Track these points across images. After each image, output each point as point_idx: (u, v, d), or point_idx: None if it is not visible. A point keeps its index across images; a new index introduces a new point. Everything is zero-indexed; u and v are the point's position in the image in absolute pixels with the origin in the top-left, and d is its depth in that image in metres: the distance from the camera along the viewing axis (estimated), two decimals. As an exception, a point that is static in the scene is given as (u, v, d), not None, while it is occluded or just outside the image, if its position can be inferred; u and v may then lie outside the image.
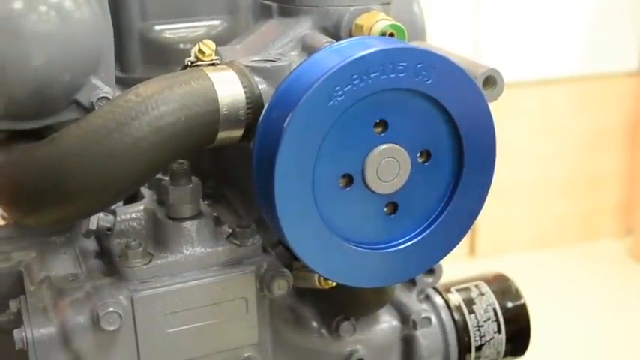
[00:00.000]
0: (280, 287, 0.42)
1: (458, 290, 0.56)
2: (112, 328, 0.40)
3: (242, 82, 0.38)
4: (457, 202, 0.38)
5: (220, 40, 0.46)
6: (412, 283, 0.53)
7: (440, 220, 0.38)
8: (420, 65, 0.34)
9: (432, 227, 0.37)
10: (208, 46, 0.39)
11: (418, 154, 0.37)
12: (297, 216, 0.35)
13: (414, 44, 0.40)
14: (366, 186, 0.36)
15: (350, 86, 0.33)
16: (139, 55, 0.48)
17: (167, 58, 0.46)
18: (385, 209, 0.37)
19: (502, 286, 0.57)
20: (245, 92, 0.37)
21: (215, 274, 0.42)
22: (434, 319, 0.54)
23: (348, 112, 0.34)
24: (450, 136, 0.37)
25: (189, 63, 0.39)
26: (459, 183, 0.37)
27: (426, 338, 0.53)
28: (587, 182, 2.85)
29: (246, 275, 0.42)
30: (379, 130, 0.35)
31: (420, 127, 0.36)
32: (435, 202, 0.37)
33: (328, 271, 0.37)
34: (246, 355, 0.44)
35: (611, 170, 2.91)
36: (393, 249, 0.37)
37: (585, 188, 2.89)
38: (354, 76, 0.33)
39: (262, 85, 0.38)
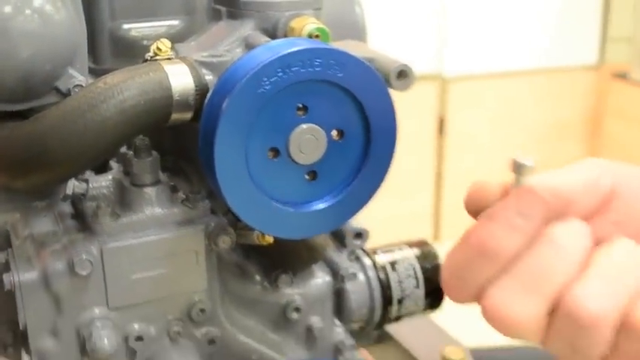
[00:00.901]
0: (224, 242, 0.51)
1: (384, 252, 0.65)
2: (84, 273, 0.48)
3: (192, 74, 0.46)
4: (365, 172, 0.47)
5: (179, 38, 0.55)
6: (343, 245, 0.63)
7: (351, 186, 0.47)
8: (332, 61, 0.43)
9: (344, 192, 0.47)
10: (165, 44, 0.48)
11: (333, 132, 0.46)
12: (234, 182, 0.44)
13: (336, 44, 0.49)
14: (290, 157, 0.45)
15: (275, 77, 0.42)
16: (109, 50, 0.56)
17: (133, 52, 0.54)
18: (306, 176, 0.46)
19: (423, 250, 0.66)
20: (194, 82, 0.46)
21: (171, 231, 0.51)
22: (361, 276, 0.63)
23: (274, 98, 0.43)
24: (360, 118, 0.46)
25: (149, 57, 0.48)
26: (367, 156, 0.46)
27: (355, 292, 0.62)
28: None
29: (196, 232, 0.51)
30: (301, 112, 0.44)
31: (334, 111, 0.45)
32: (347, 172, 0.46)
33: (260, 225, 0.46)
34: (197, 299, 0.53)
35: (571, 161, 3.02)
36: (313, 209, 0.46)
37: (545, 177, 2.98)
38: (278, 70, 0.42)
39: (209, 76, 0.47)
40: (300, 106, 0.44)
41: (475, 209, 0.40)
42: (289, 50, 0.42)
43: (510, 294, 0.36)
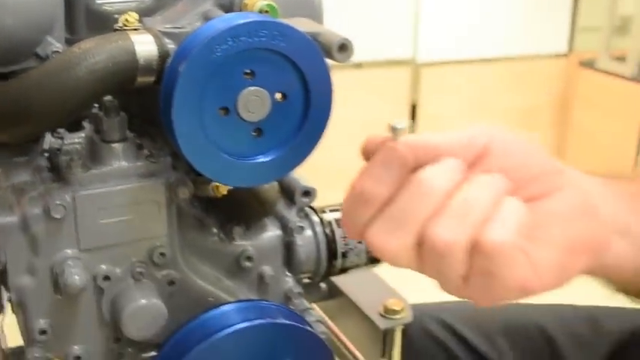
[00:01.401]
0: (183, 193, 0.58)
1: (331, 211, 0.72)
2: (58, 216, 0.55)
3: (156, 42, 0.53)
4: (305, 131, 0.54)
5: (148, 12, 0.61)
6: (293, 202, 0.70)
7: (292, 143, 0.54)
8: (276, 33, 0.50)
9: (286, 147, 0.54)
10: (132, 16, 0.54)
11: (277, 95, 0.53)
12: (189, 136, 0.51)
13: (285, 19, 0.56)
14: (239, 115, 0.52)
15: (225, 45, 0.49)
16: (84, 23, 0.63)
17: (105, 25, 0.60)
18: (253, 133, 0.53)
19: (367, 210, 0.74)
20: (157, 49, 0.53)
21: (135, 182, 0.57)
22: (309, 230, 0.70)
23: (224, 64, 0.50)
24: (300, 83, 0.53)
25: (118, 28, 0.55)
26: (306, 117, 0.53)
27: (303, 245, 0.69)
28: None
29: (158, 184, 0.58)
30: (248, 76, 0.51)
31: (278, 76, 0.52)
32: (288, 130, 0.53)
33: (212, 174, 0.53)
34: (158, 244, 0.60)
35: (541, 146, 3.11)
36: (258, 161, 0.53)
37: (514, 162, 3.05)
38: (228, 39, 0.49)
39: (171, 45, 0.54)
40: (248, 71, 0.51)
41: (366, 159, 0.49)
42: (238, 22, 0.49)
43: (383, 231, 0.46)
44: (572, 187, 0.49)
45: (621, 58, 2.68)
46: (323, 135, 0.54)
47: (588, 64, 2.82)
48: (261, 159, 0.53)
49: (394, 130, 0.46)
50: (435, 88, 2.80)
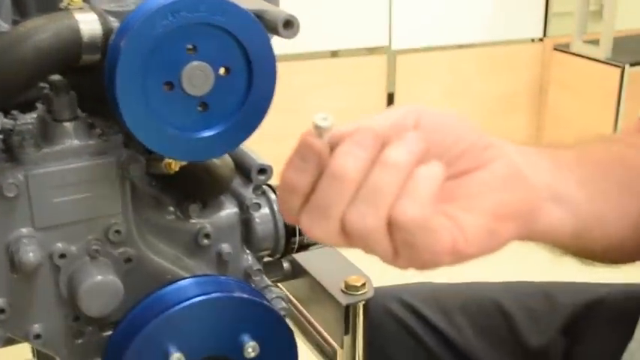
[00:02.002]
0: (134, 171, 0.59)
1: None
2: (11, 195, 0.56)
3: (100, 21, 0.54)
4: (249, 106, 0.55)
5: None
6: (249, 180, 0.71)
7: (236, 117, 0.55)
8: (216, 8, 0.51)
9: (231, 122, 0.55)
10: (77, -4, 0.55)
11: (220, 69, 0.54)
12: (135, 112, 0.52)
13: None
14: (183, 90, 0.53)
15: (166, 21, 0.50)
16: (33, 5, 0.64)
17: (53, 7, 0.62)
18: (198, 107, 0.54)
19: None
20: (102, 27, 0.54)
21: (87, 160, 0.58)
22: (267, 208, 0.71)
23: (166, 39, 0.51)
24: (243, 58, 0.54)
25: (63, 8, 0.56)
26: (250, 92, 0.55)
27: (260, 222, 0.70)
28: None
29: (109, 162, 0.59)
30: (190, 51, 0.52)
31: (220, 51, 0.53)
32: (233, 104, 0.55)
33: (161, 149, 0.54)
34: (113, 221, 0.61)
35: (519, 131, 3.13)
36: (204, 135, 0.54)
37: (493, 148, 3.08)
38: (168, 14, 0.50)
39: (115, 23, 0.55)
40: (190, 46, 0.52)
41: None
42: (177, -1, 0.50)
43: (310, 219, 0.48)
44: (501, 158, 0.51)
45: (595, 42, 2.71)
46: (267, 109, 0.55)
47: (563, 49, 2.85)
48: (207, 133, 0.54)
49: (317, 127, 0.47)
50: (412, 75, 2.82)
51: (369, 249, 0.48)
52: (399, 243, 0.47)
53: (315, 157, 0.47)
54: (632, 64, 2.61)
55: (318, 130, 0.47)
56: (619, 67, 2.61)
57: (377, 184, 0.46)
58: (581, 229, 0.57)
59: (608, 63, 2.64)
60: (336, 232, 0.47)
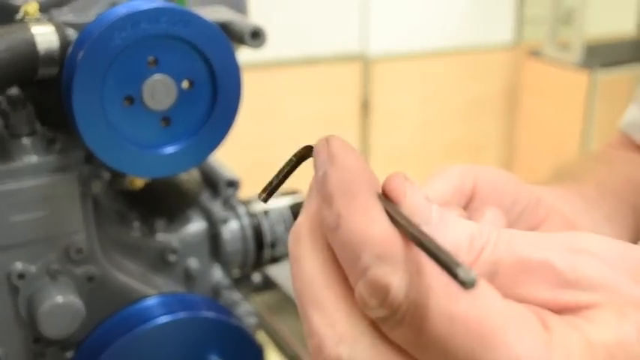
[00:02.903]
0: (96, 187, 0.57)
1: (258, 201, 0.72)
2: (-35, 213, 0.54)
3: (57, 33, 0.52)
4: (214, 120, 0.53)
5: (57, 3, 0.60)
6: (217, 193, 0.69)
7: (201, 132, 0.53)
8: (177, 19, 0.50)
9: (196, 137, 0.53)
10: (32, 7, 0.53)
11: (184, 83, 0.52)
12: (93, 128, 0.50)
13: (197, 8, 0.55)
14: (144, 105, 0.51)
15: (124, 33, 0.48)
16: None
17: (8, 18, 0.59)
18: (161, 122, 0.52)
19: (294, 198, 0.73)
20: (59, 40, 0.52)
21: (46, 177, 0.56)
22: (235, 222, 0.69)
23: (125, 51, 0.49)
24: (207, 70, 0.52)
25: (19, 19, 0.53)
26: (215, 105, 0.53)
27: (229, 237, 0.69)
28: (469, 147, 3.07)
29: (70, 178, 0.57)
30: (152, 64, 0.50)
31: (183, 63, 0.51)
32: (197, 118, 0.53)
33: (120, 166, 0.52)
34: (74, 239, 0.59)
35: (492, 136, 3.14)
36: (168, 151, 0.52)
37: (467, 153, 3.10)
38: (128, 25, 0.48)
39: (74, 36, 0.53)
40: (151, 58, 0.50)
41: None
42: (137, 9, 0.49)
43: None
44: (552, 214, 0.49)
45: (566, 47, 2.72)
46: (233, 124, 0.54)
47: (535, 54, 2.86)
48: (171, 149, 0.53)
49: None
50: (386, 83, 2.81)
51: None
52: None
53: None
54: (604, 68, 2.62)
55: None
56: (589, 71, 2.62)
57: None
58: None
59: (579, 67, 2.65)
60: None
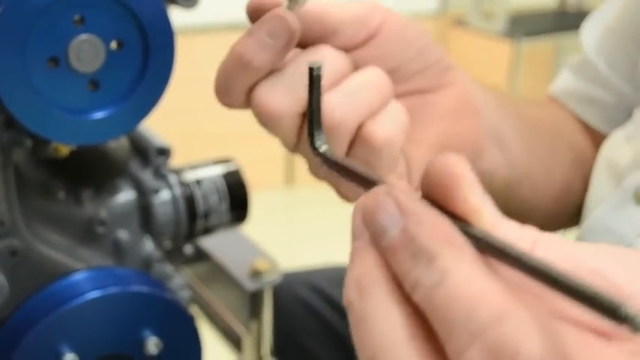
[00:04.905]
0: (18, 156, 0.54)
1: (190, 170, 0.69)
2: None
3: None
4: (145, 84, 0.50)
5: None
6: (147, 162, 0.66)
7: (132, 96, 0.50)
8: (105, -25, 0.46)
9: (126, 102, 0.50)
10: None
11: (112, 43, 0.49)
12: (15, 91, 0.46)
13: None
14: (70, 66, 0.47)
15: (48, -11, 0.45)
16: None
17: None
18: (88, 86, 0.49)
19: (228, 167, 0.71)
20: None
21: (-37, 144, 0.53)
22: (167, 192, 0.66)
23: (48, 9, 0.45)
24: (137, 30, 0.49)
25: None
26: (146, 68, 0.50)
27: (160, 207, 0.66)
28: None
29: (-11, 146, 0.53)
30: (78, 23, 0.47)
31: (112, 22, 0.48)
32: (127, 82, 0.50)
33: (45, 133, 0.49)
34: (-6, 212, 0.55)
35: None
36: (96, 116, 0.49)
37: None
38: (51, -19, 0.45)
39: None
40: (77, 17, 0.47)
41: (252, 19, 0.44)
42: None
43: (274, 90, 0.43)
44: (457, 84, 0.49)
45: (490, 16, 2.75)
46: (166, 88, 0.51)
47: (460, 23, 2.88)
48: (99, 114, 0.49)
49: (291, 1, 0.42)
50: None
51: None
52: (355, 155, 0.44)
53: (289, 37, 0.42)
54: (527, 38, 2.66)
55: (292, 4, 0.42)
56: (512, 40, 2.66)
57: (364, 82, 0.43)
58: (513, 179, 0.56)
59: (502, 37, 2.69)
60: (298, 114, 0.43)
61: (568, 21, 2.96)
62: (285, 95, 0.42)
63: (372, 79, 0.44)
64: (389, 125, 0.43)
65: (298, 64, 0.43)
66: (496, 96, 0.57)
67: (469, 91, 0.50)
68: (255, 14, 0.44)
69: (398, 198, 0.26)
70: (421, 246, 0.24)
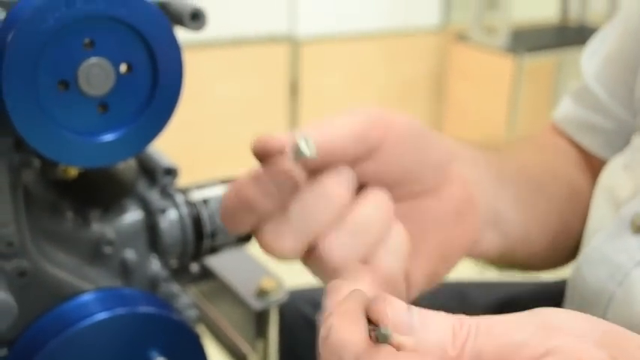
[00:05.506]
0: (28, 177, 0.54)
1: (197, 189, 0.69)
2: None
3: (-15, 13, 0.49)
4: (154, 107, 0.50)
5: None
6: (154, 182, 0.66)
7: (140, 119, 0.50)
8: (116, -1, 0.47)
9: (134, 124, 0.50)
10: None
11: (122, 66, 0.49)
12: (25, 114, 0.46)
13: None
14: (80, 90, 0.48)
15: (58, 13, 0.45)
16: None
17: None
18: (98, 109, 0.49)
19: (234, 187, 0.71)
20: (-13, 20, 0.48)
21: (-27, 166, 0.53)
22: (174, 211, 0.67)
23: (59, 33, 0.46)
24: (147, 54, 0.49)
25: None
26: (155, 91, 0.50)
27: (167, 227, 0.66)
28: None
29: (-1, 167, 0.54)
30: (88, 46, 0.47)
31: (122, 46, 0.48)
32: (136, 105, 0.50)
33: (55, 155, 0.49)
34: (4, 232, 0.55)
35: (418, 119, 3.16)
36: (105, 139, 0.50)
37: (395, 136, 3.10)
38: (62, 5, 0.45)
39: (2, 15, 0.49)
40: (87, 40, 0.47)
41: (258, 159, 0.44)
42: (69, -13, 0.45)
43: (277, 233, 0.43)
44: (455, 184, 0.49)
45: (492, 31, 2.75)
46: (174, 110, 0.51)
47: (462, 38, 2.89)
48: (108, 137, 0.50)
49: (297, 153, 0.41)
50: (315, 65, 2.80)
51: (323, 278, 0.44)
52: None
53: (292, 185, 0.42)
54: (529, 53, 2.67)
55: (297, 155, 0.42)
56: (514, 55, 2.66)
57: (366, 217, 0.43)
58: (508, 249, 0.56)
59: (504, 52, 2.69)
60: (300, 249, 0.43)
61: (570, 36, 2.96)
62: (289, 240, 0.43)
63: (376, 213, 0.43)
64: (391, 260, 0.43)
65: (303, 205, 0.43)
66: (491, 163, 0.56)
67: (467, 187, 0.50)
68: (261, 154, 0.43)
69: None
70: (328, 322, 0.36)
